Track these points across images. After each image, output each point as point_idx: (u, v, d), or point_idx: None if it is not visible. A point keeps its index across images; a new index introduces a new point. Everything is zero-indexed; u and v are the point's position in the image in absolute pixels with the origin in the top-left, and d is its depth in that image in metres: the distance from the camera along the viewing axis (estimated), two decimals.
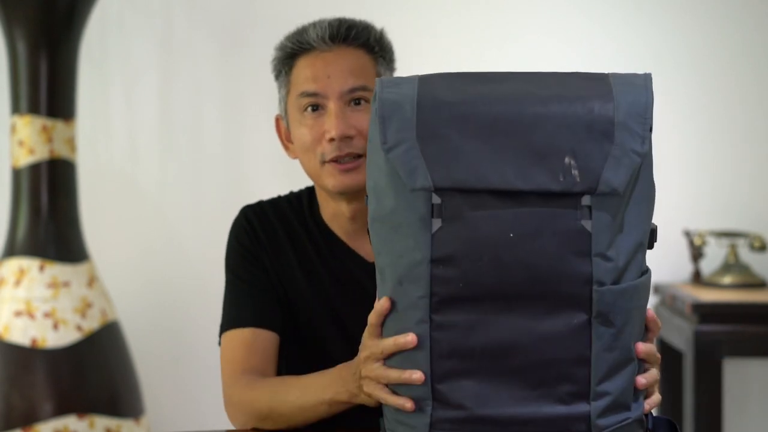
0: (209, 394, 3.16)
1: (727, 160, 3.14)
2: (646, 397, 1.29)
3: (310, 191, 1.75)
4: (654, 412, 1.34)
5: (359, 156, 1.60)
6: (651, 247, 1.28)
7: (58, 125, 2.65)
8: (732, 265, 2.96)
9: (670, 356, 3.03)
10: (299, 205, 1.73)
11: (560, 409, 1.19)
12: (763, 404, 3.15)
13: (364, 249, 1.67)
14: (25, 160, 2.64)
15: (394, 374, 1.25)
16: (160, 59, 3.18)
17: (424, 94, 1.20)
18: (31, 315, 2.59)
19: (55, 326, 2.59)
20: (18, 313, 2.59)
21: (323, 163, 1.61)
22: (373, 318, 1.28)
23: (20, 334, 2.58)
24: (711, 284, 2.95)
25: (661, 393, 3.13)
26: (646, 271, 1.25)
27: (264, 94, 3.13)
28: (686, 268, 3.06)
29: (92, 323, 2.64)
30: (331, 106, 1.60)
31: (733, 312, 2.73)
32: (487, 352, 1.18)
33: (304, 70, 1.63)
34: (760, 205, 3.13)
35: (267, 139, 3.13)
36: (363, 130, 1.59)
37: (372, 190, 1.26)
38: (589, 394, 1.19)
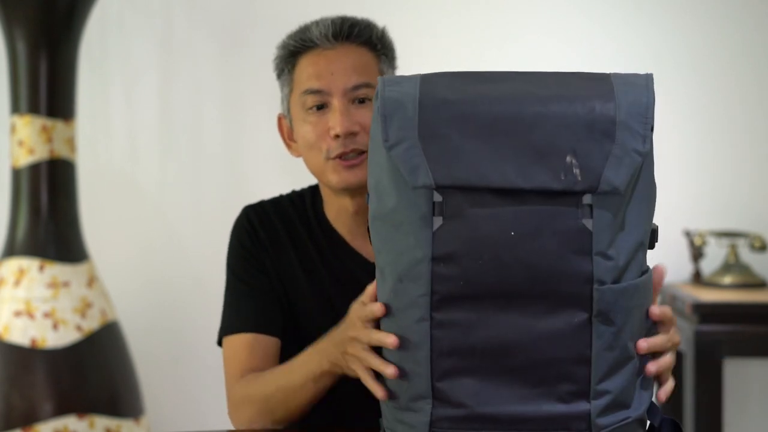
0: (209, 394, 3.16)
1: (727, 160, 3.14)
2: (661, 384, 1.29)
3: (312, 190, 1.75)
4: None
5: (363, 152, 1.60)
6: (652, 247, 1.28)
7: (58, 125, 2.65)
8: (732, 265, 2.96)
9: None
10: (302, 204, 1.73)
11: (560, 408, 1.19)
12: (763, 404, 3.15)
13: (366, 249, 1.67)
14: (24, 160, 2.64)
15: (375, 361, 1.28)
16: (160, 59, 3.18)
17: (425, 93, 1.20)
18: (30, 315, 2.59)
19: (55, 326, 2.59)
20: (18, 313, 2.59)
21: (327, 159, 1.61)
22: (368, 313, 1.29)
23: (20, 334, 2.58)
24: (711, 284, 2.94)
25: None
26: (646, 270, 1.25)
27: (264, 94, 3.13)
28: (686, 268, 3.06)
29: (92, 323, 2.64)
30: (335, 103, 1.61)
31: (733, 312, 2.73)
32: (488, 350, 1.18)
33: (308, 67, 1.63)
34: (760, 205, 3.13)
35: (267, 139, 3.14)
36: (367, 126, 1.59)
37: (373, 188, 1.26)
38: (589, 392, 1.19)
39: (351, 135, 1.60)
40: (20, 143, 2.64)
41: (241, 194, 3.05)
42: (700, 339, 2.69)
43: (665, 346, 1.28)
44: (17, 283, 2.61)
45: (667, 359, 1.28)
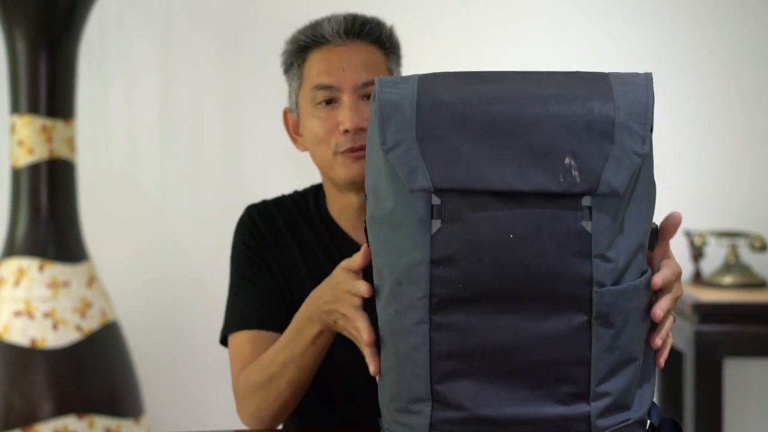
0: (209, 394, 3.16)
1: (727, 160, 3.14)
2: (661, 348, 1.28)
3: (315, 189, 1.76)
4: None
5: None
6: (652, 248, 1.28)
7: (58, 125, 2.65)
8: (732, 265, 2.96)
9: (670, 356, 3.03)
10: (304, 203, 1.74)
11: (560, 410, 1.18)
12: (763, 404, 3.15)
13: None
14: (24, 160, 2.64)
15: (361, 323, 1.32)
16: (160, 59, 3.18)
17: (423, 94, 1.20)
18: (30, 315, 2.59)
19: (55, 326, 2.59)
20: (18, 313, 2.59)
21: (336, 154, 1.62)
22: (354, 289, 1.32)
23: (20, 334, 2.58)
24: (711, 284, 2.94)
25: (662, 393, 3.14)
26: (646, 271, 1.24)
27: (264, 94, 3.13)
28: (686, 268, 3.06)
29: (92, 323, 2.64)
30: (345, 98, 1.62)
31: (734, 312, 2.73)
32: (487, 352, 1.18)
33: (318, 63, 1.65)
34: (760, 205, 3.13)
35: (267, 139, 3.14)
36: None
37: (371, 189, 1.26)
38: (589, 394, 1.18)
39: (360, 131, 1.61)
40: (20, 143, 2.64)
41: (241, 194, 3.06)
42: (700, 339, 2.69)
43: (673, 305, 1.27)
44: (17, 283, 2.61)
45: (668, 323, 1.28)
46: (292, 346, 1.52)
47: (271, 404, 1.57)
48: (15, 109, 2.66)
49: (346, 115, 1.61)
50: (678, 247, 3.07)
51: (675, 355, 3.02)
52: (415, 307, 1.20)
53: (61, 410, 2.56)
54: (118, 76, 3.18)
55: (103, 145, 3.19)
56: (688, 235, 3.01)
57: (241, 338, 1.65)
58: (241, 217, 1.74)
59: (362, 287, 1.29)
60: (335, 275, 1.40)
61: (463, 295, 1.18)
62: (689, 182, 3.12)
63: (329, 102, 1.63)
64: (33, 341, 2.58)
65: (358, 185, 1.64)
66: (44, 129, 2.63)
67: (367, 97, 1.63)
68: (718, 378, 2.70)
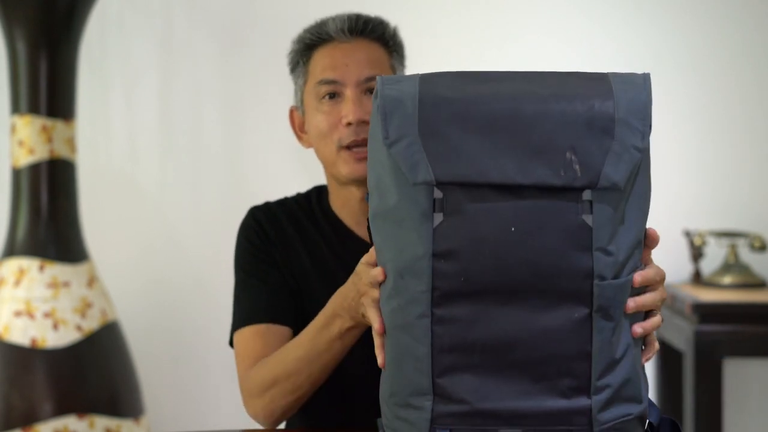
0: (209, 394, 3.16)
1: (727, 160, 3.14)
2: (646, 346, 1.28)
3: (318, 189, 1.79)
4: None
5: None
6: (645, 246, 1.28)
7: (58, 125, 2.65)
8: (732, 265, 2.96)
9: (670, 356, 3.03)
10: (307, 203, 1.77)
11: (562, 403, 1.19)
12: (763, 404, 3.15)
13: None
14: (25, 160, 2.64)
15: (372, 312, 1.30)
16: (160, 59, 3.18)
17: (425, 92, 1.21)
18: (30, 315, 2.59)
19: (55, 326, 2.59)
20: (18, 313, 2.59)
21: (339, 149, 1.65)
22: (371, 277, 1.30)
23: (20, 334, 2.58)
24: (711, 284, 2.95)
25: (662, 393, 3.14)
26: (639, 266, 1.25)
27: (264, 94, 3.13)
28: (686, 268, 3.06)
29: (92, 323, 2.64)
30: (348, 93, 1.66)
31: (733, 312, 2.73)
32: (489, 346, 1.19)
33: (323, 59, 1.69)
34: (760, 205, 3.13)
35: (267, 139, 3.14)
36: None
37: (374, 186, 1.27)
38: (589, 388, 1.19)
39: (363, 123, 1.64)
40: (20, 143, 2.64)
41: (241, 194, 3.07)
42: (700, 339, 2.69)
43: (655, 304, 1.27)
44: (17, 283, 2.61)
45: (655, 320, 1.27)
46: (317, 340, 1.52)
47: (286, 399, 1.57)
48: (15, 109, 2.66)
49: (349, 108, 1.64)
50: (678, 247, 3.07)
51: (675, 355, 3.02)
52: (418, 301, 1.20)
53: (61, 410, 2.56)
54: (118, 76, 3.18)
55: (103, 145, 3.19)
56: (688, 235, 3.01)
57: (248, 333, 1.66)
58: (245, 218, 1.76)
59: (376, 272, 1.29)
60: (357, 271, 1.40)
61: (464, 289, 1.18)
62: (689, 182, 3.13)
63: (333, 96, 1.67)
64: (33, 341, 2.58)
65: (360, 182, 1.67)
66: (44, 129, 2.63)
67: (370, 91, 1.67)
68: (717, 378, 2.70)
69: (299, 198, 1.78)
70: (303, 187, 1.82)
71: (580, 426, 1.19)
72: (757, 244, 2.94)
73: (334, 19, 1.71)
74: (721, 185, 3.13)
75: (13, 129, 2.66)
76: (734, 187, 3.13)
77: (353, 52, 1.68)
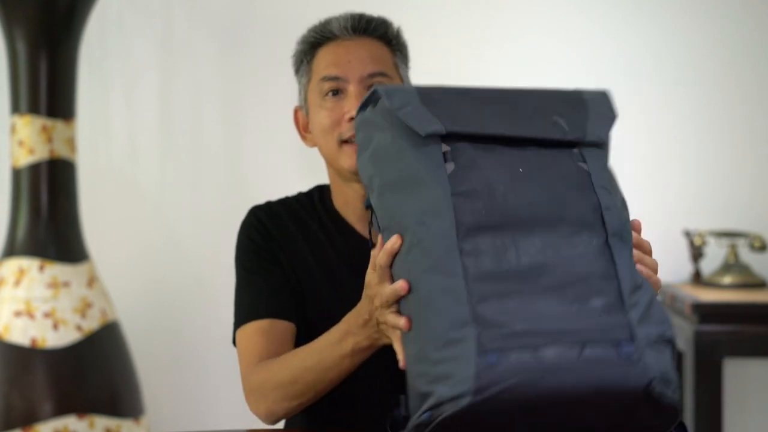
0: (209, 394, 3.16)
1: (727, 160, 3.14)
2: None
3: (320, 188, 1.79)
4: None
5: None
6: None
7: (58, 125, 2.65)
8: (732, 265, 2.96)
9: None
10: (309, 201, 1.77)
11: (601, 319, 1.21)
12: (763, 404, 3.15)
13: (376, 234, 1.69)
14: (25, 160, 2.64)
15: (402, 322, 1.30)
16: (160, 59, 3.18)
17: (421, 89, 1.32)
18: (30, 315, 2.59)
19: (55, 326, 2.59)
20: (18, 313, 2.59)
21: (341, 143, 1.66)
22: (383, 258, 1.30)
23: (20, 334, 2.58)
24: (711, 284, 2.95)
25: None
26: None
27: (264, 94, 3.13)
28: (686, 268, 3.06)
29: (92, 323, 2.64)
30: (351, 89, 1.67)
31: (733, 312, 2.73)
32: (519, 273, 1.22)
33: (327, 56, 1.70)
34: (760, 205, 3.13)
35: (267, 139, 3.14)
36: None
37: (376, 160, 1.33)
38: (623, 305, 1.22)
39: None
40: (20, 143, 2.64)
41: (241, 194, 3.07)
42: (700, 339, 2.69)
43: (653, 264, 1.35)
44: (17, 283, 2.61)
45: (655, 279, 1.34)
46: (327, 354, 1.51)
47: (288, 402, 1.57)
48: (15, 109, 2.66)
49: (352, 104, 1.65)
50: (678, 247, 3.08)
51: (675, 355, 3.02)
52: (444, 236, 1.23)
53: (61, 410, 2.56)
54: (118, 76, 3.18)
55: (103, 145, 3.19)
56: (688, 235, 3.01)
57: (251, 330, 1.65)
58: (246, 217, 1.76)
59: (387, 291, 1.30)
60: (367, 294, 1.39)
61: (487, 222, 1.23)
62: (689, 182, 3.13)
63: (336, 93, 1.68)
64: (33, 341, 2.58)
65: None
66: (44, 129, 2.63)
67: None
68: (717, 378, 2.70)
69: (301, 197, 1.79)
70: (303, 187, 1.82)
71: (623, 337, 1.21)
72: (757, 244, 2.94)
73: (337, 18, 1.72)
74: (721, 185, 3.13)
75: (13, 129, 2.66)
76: (734, 187, 3.13)
77: (356, 49, 1.69)
